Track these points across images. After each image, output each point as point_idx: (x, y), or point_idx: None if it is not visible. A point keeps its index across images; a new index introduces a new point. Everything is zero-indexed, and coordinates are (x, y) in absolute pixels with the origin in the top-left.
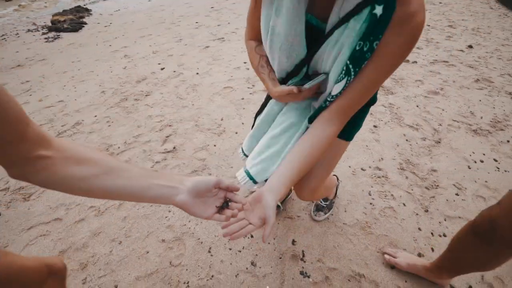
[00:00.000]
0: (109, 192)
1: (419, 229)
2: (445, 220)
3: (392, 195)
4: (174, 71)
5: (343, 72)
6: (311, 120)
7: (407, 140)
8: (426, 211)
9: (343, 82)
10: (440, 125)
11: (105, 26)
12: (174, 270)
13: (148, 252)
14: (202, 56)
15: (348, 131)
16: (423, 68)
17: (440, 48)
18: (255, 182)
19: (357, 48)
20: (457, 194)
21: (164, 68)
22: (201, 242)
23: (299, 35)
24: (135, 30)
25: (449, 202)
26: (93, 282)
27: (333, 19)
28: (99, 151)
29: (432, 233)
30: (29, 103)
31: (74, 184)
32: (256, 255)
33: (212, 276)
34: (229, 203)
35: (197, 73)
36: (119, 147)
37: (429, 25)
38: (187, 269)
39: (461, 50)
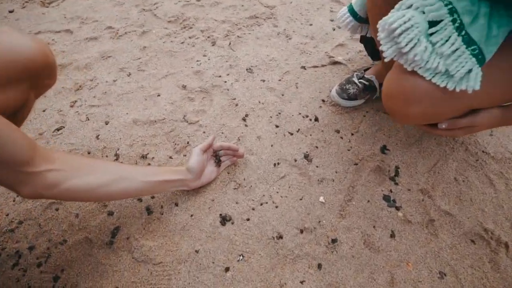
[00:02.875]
0: (128, 194)
1: None
2: None
3: None
4: None
5: None
6: None
7: None
8: None
9: None
10: None
11: None
12: (187, 128)
13: (159, 95)
14: None
15: None
16: None
17: None
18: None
19: None
20: None
21: None
22: (236, 104)
23: None
24: None
25: None
26: (81, 109)
27: None
28: (99, 158)
29: None
30: None
31: (92, 193)
32: (316, 147)
33: None
34: (218, 155)
35: None
36: None
37: None
38: (204, 132)
39: None
